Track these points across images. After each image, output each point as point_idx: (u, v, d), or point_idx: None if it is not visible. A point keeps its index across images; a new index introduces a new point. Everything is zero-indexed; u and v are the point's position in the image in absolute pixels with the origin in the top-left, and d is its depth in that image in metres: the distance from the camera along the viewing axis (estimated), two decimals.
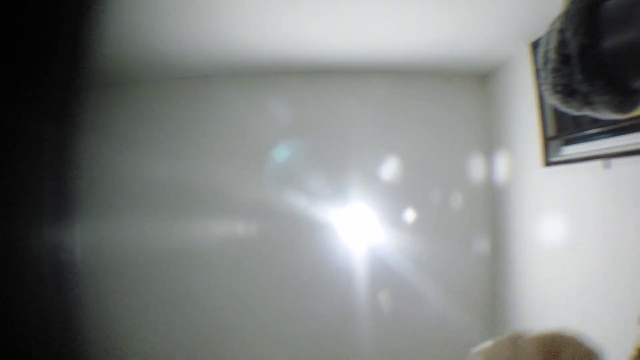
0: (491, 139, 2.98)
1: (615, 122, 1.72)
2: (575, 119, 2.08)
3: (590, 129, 2.01)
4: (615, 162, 1.81)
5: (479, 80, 3.05)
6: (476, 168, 3.00)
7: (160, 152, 2.79)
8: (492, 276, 2.96)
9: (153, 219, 2.71)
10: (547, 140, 2.33)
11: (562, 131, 2.26)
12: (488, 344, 0.77)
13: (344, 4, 2.05)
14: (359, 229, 2.92)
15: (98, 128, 2.35)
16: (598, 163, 1.90)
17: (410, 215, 2.95)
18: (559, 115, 2.25)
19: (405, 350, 2.88)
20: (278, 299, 2.86)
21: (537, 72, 2.19)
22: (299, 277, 2.90)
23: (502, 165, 2.86)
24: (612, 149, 1.85)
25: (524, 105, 2.52)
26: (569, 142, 2.25)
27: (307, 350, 2.85)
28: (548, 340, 0.72)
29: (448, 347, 2.92)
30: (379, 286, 2.90)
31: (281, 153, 2.89)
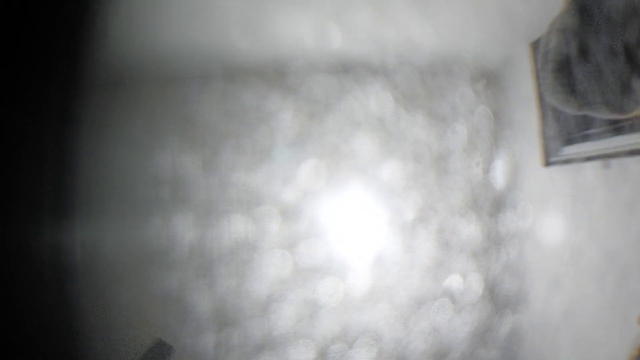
0: (491, 138, 2.98)
1: (615, 122, 1.72)
2: (575, 119, 2.08)
3: (590, 129, 2.01)
4: (615, 162, 1.81)
5: (479, 80, 3.04)
6: (476, 168, 3.00)
7: (160, 151, 2.79)
8: (491, 276, 2.96)
9: (153, 219, 2.71)
10: (547, 140, 2.33)
11: (562, 131, 2.26)
12: None
13: (343, 3, 2.05)
14: (359, 229, 2.92)
15: (98, 128, 2.35)
16: (598, 163, 1.90)
17: (409, 215, 2.95)
18: (559, 115, 2.25)
19: (406, 354, 2.88)
20: (279, 298, 2.86)
21: (537, 72, 2.19)
22: (299, 277, 2.90)
23: (502, 165, 2.86)
24: (612, 149, 1.84)
25: (524, 105, 2.52)
26: (569, 142, 2.25)
27: (308, 351, 2.85)
28: None
29: (448, 348, 2.92)
30: (379, 287, 2.90)
31: (282, 153, 2.88)
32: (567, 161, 2.19)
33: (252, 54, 2.62)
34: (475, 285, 2.98)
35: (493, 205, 2.98)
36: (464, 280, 2.97)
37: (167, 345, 2.07)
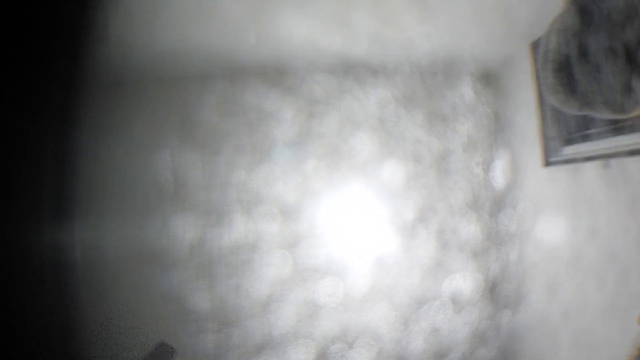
0: (491, 138, 2.98)
1: (615, 122, 1.72)
2: (575, 119, 2.09)
3: (590, 129, 2.01)
4: (615, 162, 1.81)
5: (479, 80, 3.05)
6: (476, 168, 3.00)
7: (160, 151, 2.79)
8: (491, 276, 2.96)
9: (153, 219, 2.71)
10: (547, 140, 2.33)
11: (562, 131, 2.26)
12: None
13: (344, 3, 2.05)
14: (359, 230, 2.92)
15: (98, 128, 2.35)
16: (598, 163, 1.90)
17: (409, 215, 2.95)
18: (559, 116, 2.25)
19: (406, 354, 2.88)
20: (279, 298, 2.86)
21: (537, 72, 2.19)
22: (299, 277, 2.90)
23: (502, 165, 2.86)
24: (612, 149, 1.85)
25: (524, 105, 2.52)
26: (569, 142, 2.25)
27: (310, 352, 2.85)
28: None
29: (448, 348, 2.92)
30: (379, 287, 2.90)
31: (282, 153, 2.88)
32: (567, 161, 2.19)
33: (252, 54, 2.62)
34: (475, 285, 2.98)
35: (493, 205, 2.98)
36: (464, 280, 2.97)
37: (170, 347, 2.07)
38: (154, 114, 2.87)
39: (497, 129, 2.94)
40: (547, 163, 2.33)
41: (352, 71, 2.95)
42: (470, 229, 3.02)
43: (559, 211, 2.24)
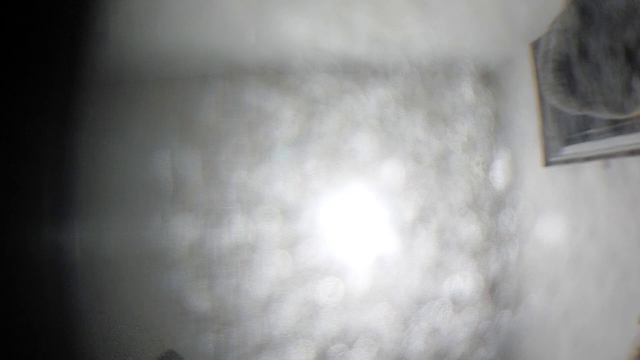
0: (491, 138, 2.98)
1: (615, 122, 1.72)
2: (575, 119, 2.09)
3: (590, 129, 2.01)
4: (615, 162, 1.81)
5: (479, 80, 3.05)
6: (476, 168, 3.00)
7: (160, 151, 2.79)
8: (491, 276, 2.96)
9: (153, 219, 2.71)
10: (547, 140, 2.33)
11: (562, 131, 2.26)
12: None
13: (343, 3, 2.05)
14: (359, 230, 2.92)
15: (98, 128, 2.35)
16: (598, 163, 1.90)
17: (409, 215, 2.95)
18: (559, 116, 2.25)
19: (406, 354, 2.88)
20: (279, 298, 2.86)
21: (537, 72, 2.20)
22: (299, 277, 2.89)
23: (502, 165, 2.86)
24: (612, 149, 1.85)
25: (524, 105, 2.52)
26: (569, 142, 2.25)
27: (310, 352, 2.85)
28: None
29: (448, 348, 2.92)
30: (379, 287, 2.90)
31: (282, 153, 2.88)
32: (567, 161, 2.19)
33: (252, 54, 2.62)
34: (475, 285, 2.98)
35: (493, 205, 2.98)
36: (464, 280, 2.97)
37: (178, 356, 2.07)
38: (154, 114, 2.87)
39: (497, 129, 2.93)
40: (547, 163, 2.32)
41: (352, 71, 2.95)
42: (470, 229, 3.02)
43: (559, 211, 2.24)
